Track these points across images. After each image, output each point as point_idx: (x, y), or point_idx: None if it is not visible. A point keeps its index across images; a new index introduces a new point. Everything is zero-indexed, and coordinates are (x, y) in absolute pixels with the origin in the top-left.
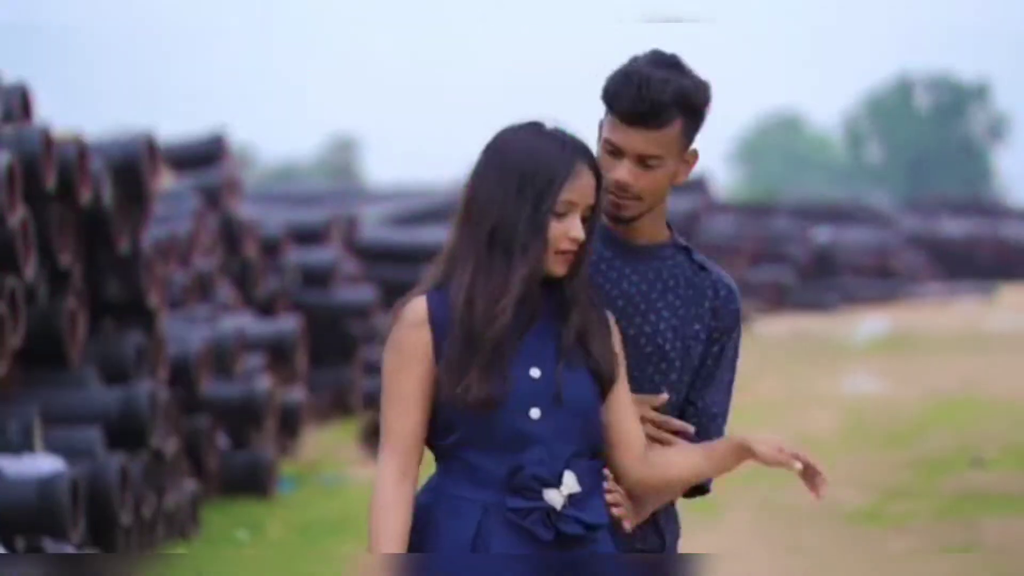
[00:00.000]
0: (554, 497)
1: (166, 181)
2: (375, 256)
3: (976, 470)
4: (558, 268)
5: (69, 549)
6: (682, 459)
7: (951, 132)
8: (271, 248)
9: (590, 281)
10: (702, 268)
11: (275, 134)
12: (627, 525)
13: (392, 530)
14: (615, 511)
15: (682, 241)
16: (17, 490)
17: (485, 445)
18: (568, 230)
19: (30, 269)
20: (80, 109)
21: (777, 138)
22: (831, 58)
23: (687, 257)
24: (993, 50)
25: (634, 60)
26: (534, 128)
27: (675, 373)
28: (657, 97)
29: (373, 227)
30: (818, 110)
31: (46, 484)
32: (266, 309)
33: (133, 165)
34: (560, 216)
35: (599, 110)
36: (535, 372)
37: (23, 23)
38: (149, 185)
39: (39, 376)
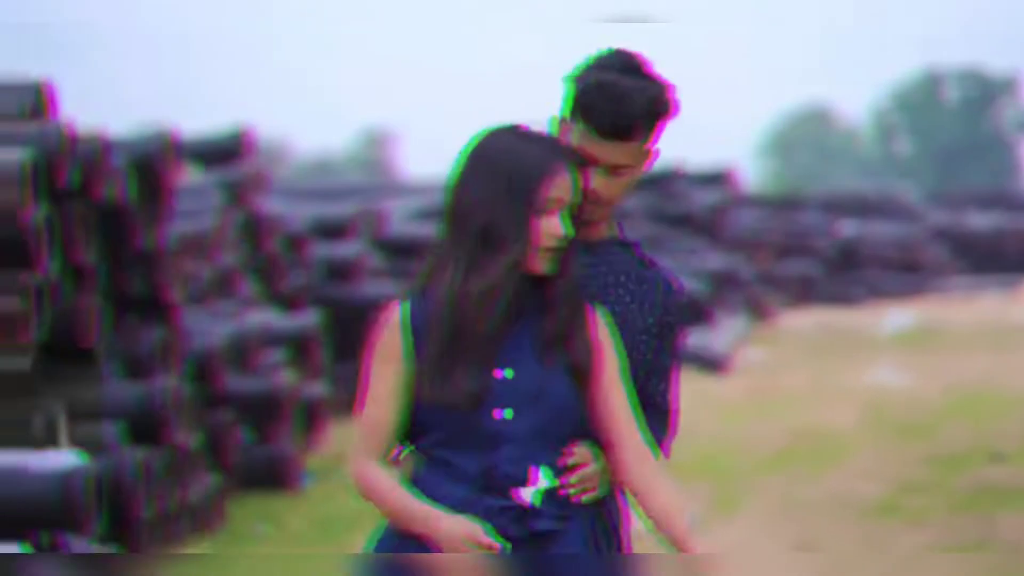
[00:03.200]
0: (527, 495)
1: (190, 177)
2: (400, 250)
3: (994, 465)
4: (543, 266)
5: (89, 544)
6: (662, 509)
7: (979, 126)
8: (295, 243)
9: (578, 278)
10: (650, 264)
11: (310, 129)
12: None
13: (394, 485)
14: (585, 496)
15: (629, 237)
16: (38, 485)
17: (461, 444)
18: (553, 227)
19: (50, 265)
20: (108, 109)
21: (808, 131)
22: (859, 50)
23: (634, 253)
24: (1022, 44)
25: (599, 64)
26: (515, 130)
27: (626, 365)
28: (636, 112)
29: (400, 221)
30: (848, 103)
31: (66, 479)
32: (291, 304)
33: (152, 161)
34: (545, 213)
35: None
36: (506, 373)
37: (55, 22)
38: (168, 181)
39: (61, 371)
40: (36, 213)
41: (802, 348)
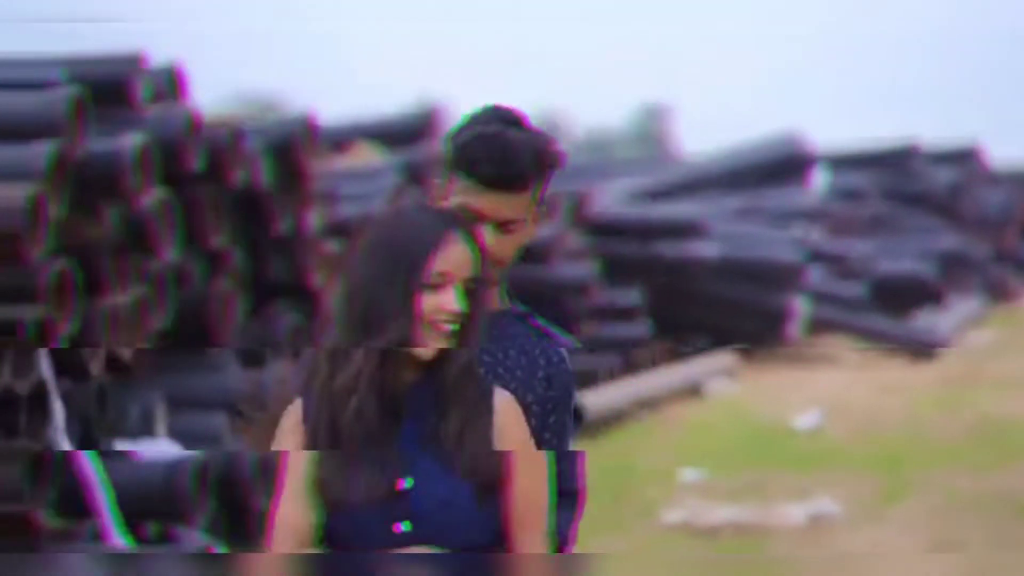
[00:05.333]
0: None
1: (369, 158)
2: (606, 232)
3: None
4: (432, 344)
5: (198, 536)
6: None
7: None
8: None
9: (471, 364)
10: (542, 335)
11: (587, 104)
12: None
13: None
14: None
15: (520, 308)
16: (143, 475)
17: (359, 546)
18: (442, 302)
19: (169, 251)
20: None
21: None
22: None
23: (525, 324)
24: None
25: (478, 120)
26: (408, 203)
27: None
28: (521, 161)
29: (612, 202)
30: None
31: (170, 470)
32: None
33: (291, 146)
34: (433, 289)
35: None
36: (407, 483)
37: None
38: (307, 166)
39: (170, 361)
40: (150, 198)
41: None
